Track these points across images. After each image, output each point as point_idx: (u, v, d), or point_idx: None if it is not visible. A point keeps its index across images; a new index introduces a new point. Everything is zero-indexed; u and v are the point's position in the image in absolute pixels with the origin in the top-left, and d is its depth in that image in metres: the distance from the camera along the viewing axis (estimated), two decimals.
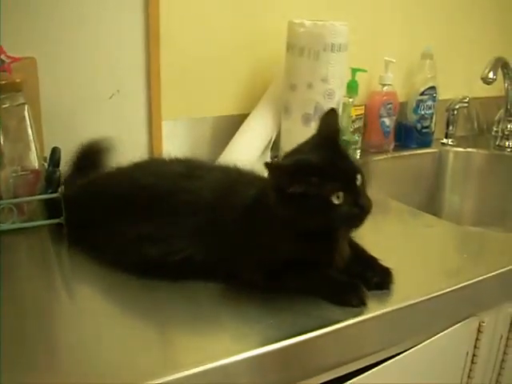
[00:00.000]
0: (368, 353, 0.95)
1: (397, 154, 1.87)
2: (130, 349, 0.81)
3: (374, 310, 0.92)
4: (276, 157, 1.57)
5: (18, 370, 0.74)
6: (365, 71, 1.73)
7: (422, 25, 1.92)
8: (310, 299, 0.93)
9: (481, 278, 1.05)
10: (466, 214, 2.00)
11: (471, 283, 1.03)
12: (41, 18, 1.27)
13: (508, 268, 1.10)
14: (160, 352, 0.81)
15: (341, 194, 0.87)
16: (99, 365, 0.77)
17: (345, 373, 0.93)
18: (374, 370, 0.96)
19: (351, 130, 1.74)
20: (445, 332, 1.05)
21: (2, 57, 1.16)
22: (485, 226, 1.88)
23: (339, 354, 0.91)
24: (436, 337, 1.03)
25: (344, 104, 1.59)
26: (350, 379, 0.94)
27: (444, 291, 0.99)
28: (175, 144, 1.49)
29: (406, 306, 0.95)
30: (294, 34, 1.45)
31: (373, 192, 1.56)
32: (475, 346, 1.14)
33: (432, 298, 0.98)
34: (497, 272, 1.08)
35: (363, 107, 1.78)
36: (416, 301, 0.96)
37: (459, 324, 1.07)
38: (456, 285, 1.01)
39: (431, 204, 1.94)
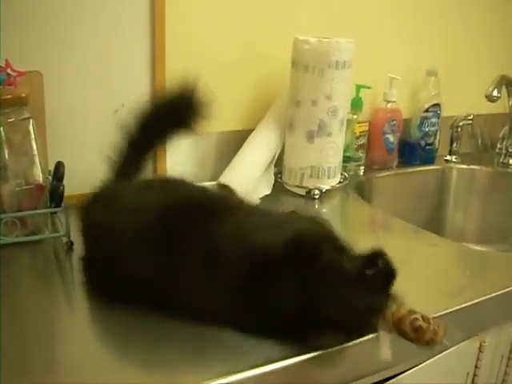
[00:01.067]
0: (369, 373, 0.95)
1: (400, 171, 1.87)
2: (129, 365, 0.82)
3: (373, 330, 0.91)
4: (280, 173, 1.57)
5: None
6: (369, 88, 1.74)
7: (427, 42, 1.92)
8: None
9: (483, 298, 1.05)
10: (470, 231, 2.00)
11: (473, 303, 1.03)
12: (48, 33, 1.28)
13: (510, 288, 1.09)
14: (159, 371, 0.81)
15: None
16: (98, 380, 0.77)
17: None
18: None
19: (355, 146, 1.74)
20: (446, 352, 1.04)
21: (9, 71, 1.17)
22: (488, 244, 1.87)
23: (341, 374, 0.91)
24: (437, 357, 1.03)
25: (348, 120, 1.60)
26: None
27: (446, 311, 0.99)
28: (179, 159, 1.49)
29: None
30: (299, 51, 1.46)
31: (376, 209, 1.57)
32: (476, 366, 1.14)
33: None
34: (499, 292, 1.08)
35: (367, 124, 1.78)
36: None
37: (460, 344, 1.07)
38: (458, 305, 1.01)
39: (434, 221, 1.94)
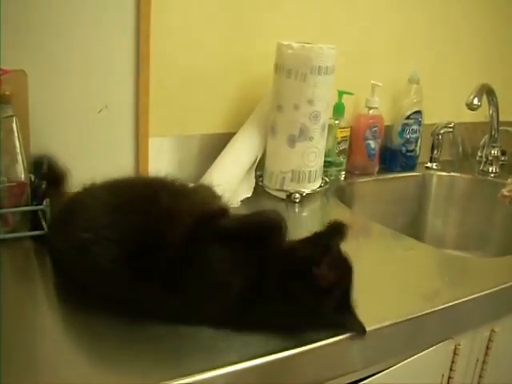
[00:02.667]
0: (343, 373, 0.96)
1: (381, 177, 1.89)
2: (105, 364, 0.82)
3: None
4: (261, 176, 1.59)
5: None
6: (351, 94, 1.76)
7: (410, 50, 1.94)
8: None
9: (458, 301, 1.07)
10: (448, 237, 2.02)
11: (448, 306, 1.05)
12: (32, 32, 1.28)
13: (486, 292, 1.11)
14: (136, 367, 0.82)
15: None
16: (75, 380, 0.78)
17: None
18: None
19: (336, 151, 1.75)
20: (421, 354, 1.06)
21: None
22: (466, 251, 1.90)
23: (315, 373, 0.92)
24: (412, 358, 1.05)
25: (330, 126, 1.62)
26: None
27: (421, 313, 1.01)
28: (161, 161, 1.50)
29: (382, 327, 0.96)
30: (282, 56, 1.47)
31: (356, 214, 1.58)
32: (451, 369, 1.16)
33: (408, 319, 0.99)
34: (474, 296, 1.09)
35: (349, 129, 1.80)
36: (392, 322, 0.97)
37: (435, 346, 1.08)
38: (433, 307, 1.03)
39: (414, 227, 1.96)
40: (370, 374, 1.00)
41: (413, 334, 1.03)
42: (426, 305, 1.03)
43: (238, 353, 0.84)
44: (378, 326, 0.95)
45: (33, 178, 1.21)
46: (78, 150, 1.38)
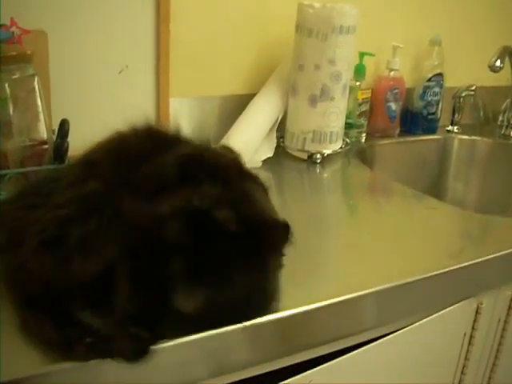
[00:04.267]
0: (365, 328, 0.97)
1: (402, 140, 1.88)
2: None
3: (372, 285, 0.93)
4: (282, 137, 1.58)
5: None
6: (372, 55, 1.74)
7: (432, 11, 1.92)
8: (311, 272, 0.95)
9: (481, 259, 1.06)
10: (469, 201, 2.01)
11: (471, 264, 1.04)
12: None
13: (509, 251, 1.10)
14: None
15: None
16: None
17: (341, 347, 0.95)
18: (370, 345, 0.97)
19: (357, 113, 1.75)
20: (443, 311, 1.06)
21: (14, 29, 1.17)
22: (487, 214, 1.88)
23: (336, 329, 0.93)
24: (434, 316, 1.05)
25: (351, 87, 1.60)
26: (345, 354, 0.95)
27: (443, 270, 1.01)
28: (181, 122, 1.49)
29: (405, 284, 0.96)
30: (303, 16, 1.46)
31: (377, 175, 1.58)
32: (473, 328, 1.15)
33: (431, 276, 0.99)
34: (497, 254, 1.09)
35: (370, 91, 1.78)
36: (415, 278, 0.97)
37: (458, 304, 1.08)
38: (456, 265, 1.02)
39: (434, 190, 1.94)
40: (391, 330, 1.00)
41: (436, 292, 1.03)
42: (450, 262, 1.02)
43: None
44: (402, 281, 0.95)
45: (55, 137, 1.21)
46: (97, 110, 1.38)
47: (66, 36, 1.32)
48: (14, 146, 1.14)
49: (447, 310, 1.06)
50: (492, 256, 1.08)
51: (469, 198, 2.03)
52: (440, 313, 1.05)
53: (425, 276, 0.98)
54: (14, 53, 1.13)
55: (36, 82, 1.15)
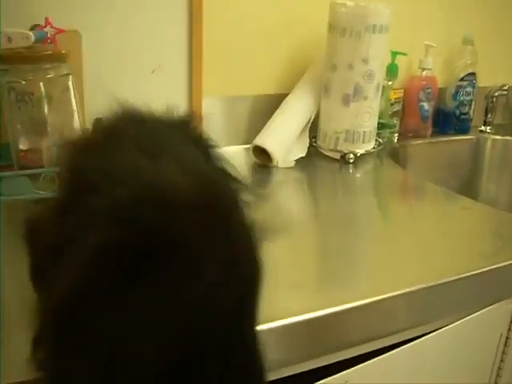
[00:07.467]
0: (398, 330, 0.95)
1: (434, 140, 1.86)
2: None
3: (406, 286, 0.92)
4: (314, 137, 1.58)
5: None
6: (405, 55, 1.73)
7: (464, 10, 1.90)
8: (341, 274, 0.94)
9: None
10: (501, 202, 1.99)
11: (507, 265, 1.03)
12: None
13: None
14: None
15: None
16: None
17: (374, 349, 0.94)
18: (406, 346, 0.96)
19: (389, 113, 1.74)
20: (479, 312, 1.05)
21: (48, 28, 1.18)
22: None
23: (369, 330, 0.92)
24: (470, 317, 1.03)
25: (383, 87, 1.59)
26: (378, 355, 0.94)
27: (479, 271, 0.99)
28: (214, 122, 1.50)
29: (440, 284, 0.95)
30: (335, 15, 1.45)
31: (410, 175, 1.56)
32: (509, 329, 1.14)
33: (466, 277, 0.98)
34: None
35: (402, 91, 1.77)
36: (450, 279, 0.96)
37: (494, 305, 1.07)
38: (492, 265, 1.01)
39: (467, 191, 1.92)
40: (426, 331, 0.99)
41: (471, 292, 1.01)
42: (486, 262, 1.01)
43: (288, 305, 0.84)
44: (437, 282, 0.94)
45: None
46: None
47: (100, 36, 1.33)
48: (49, 144, 1.15)
49: (483, 311, 1.05)
50: None
51: (501, 198, 2.01)
52: (476, 314, 1.04)
53: (460, 276, 0.97)
54: (49, 52, 1.14)
55: (70, 82, 1.16)
